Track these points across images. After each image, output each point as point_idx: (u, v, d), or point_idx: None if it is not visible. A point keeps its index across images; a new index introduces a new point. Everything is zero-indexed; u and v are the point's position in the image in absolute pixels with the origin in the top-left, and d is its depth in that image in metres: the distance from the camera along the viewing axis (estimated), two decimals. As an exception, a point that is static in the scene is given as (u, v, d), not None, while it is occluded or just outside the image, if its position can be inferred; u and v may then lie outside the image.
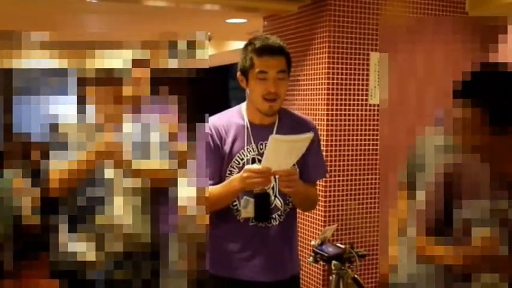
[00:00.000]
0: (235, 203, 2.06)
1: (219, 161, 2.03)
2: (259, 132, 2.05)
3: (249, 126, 2.07)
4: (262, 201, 2.01)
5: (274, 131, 2.05)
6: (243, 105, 2.13)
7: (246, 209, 2.02)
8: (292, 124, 2.09)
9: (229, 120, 2.09)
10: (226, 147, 2.05)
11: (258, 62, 1.99)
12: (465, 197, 1.51)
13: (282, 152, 1.88)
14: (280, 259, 2.13)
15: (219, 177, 2.03)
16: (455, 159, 1.61)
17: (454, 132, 1.81)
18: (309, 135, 1.93)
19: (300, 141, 1.92)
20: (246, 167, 1.95)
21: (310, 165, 2.11)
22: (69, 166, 1.36)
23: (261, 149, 2.05)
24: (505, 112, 1.48)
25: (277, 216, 2.08)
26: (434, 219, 1.59)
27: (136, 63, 1.39)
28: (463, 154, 1.59)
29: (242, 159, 2.05)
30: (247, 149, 2.05)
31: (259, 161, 2.01)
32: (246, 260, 2.09)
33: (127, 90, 1.37)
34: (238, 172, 2.00)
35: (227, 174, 2.05)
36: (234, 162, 2.05)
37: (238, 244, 2.09)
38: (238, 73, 2.08)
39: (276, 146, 1.87)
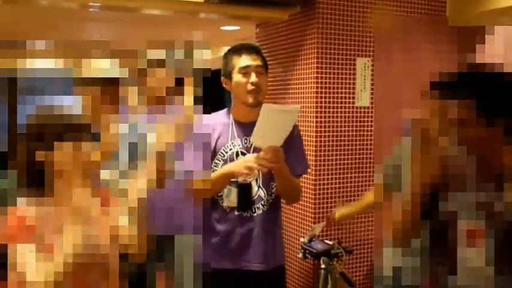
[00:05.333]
0: (220, 192, 2.19)
1: None
2: (243, 129, 2.20)
3: (233, 123, 2.24)
4: (244, 192, 2.15)
5: None
6: (230, 108, 2.30)
7: (229, 198, 2.16)
8: None
9: (215, 120, 2.25)
10: (212, 143, 2.20)
11: (238, 60, 2.18)
12: (451, 190, 1.51)
13: (272, 122, 1.97)
14: (264, 249, 2.23)
15: None
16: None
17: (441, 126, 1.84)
18: (296, 107, 2.10)
19: (289, 113, 2.06)
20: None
21: (292, 160, 2.22)
22: None
23: (246, 143, 2.20)
24: (493, 105, 1.49)
25: (260, 205, 2.21)
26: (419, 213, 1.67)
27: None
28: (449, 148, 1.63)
29: (227, 153, 2.20)
30: (231, 143, 2.20)
31: (244, 154, 2.18)
32: (232, 249, 2.20)
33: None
34: (223, 165, 2.15)
35: (212, 167, 2.18)
36: (219, 155, 2.20)
37: (224, 233, 2.21)
38: (222, 78, 2.24)
39: (268, 115, 1.96)
